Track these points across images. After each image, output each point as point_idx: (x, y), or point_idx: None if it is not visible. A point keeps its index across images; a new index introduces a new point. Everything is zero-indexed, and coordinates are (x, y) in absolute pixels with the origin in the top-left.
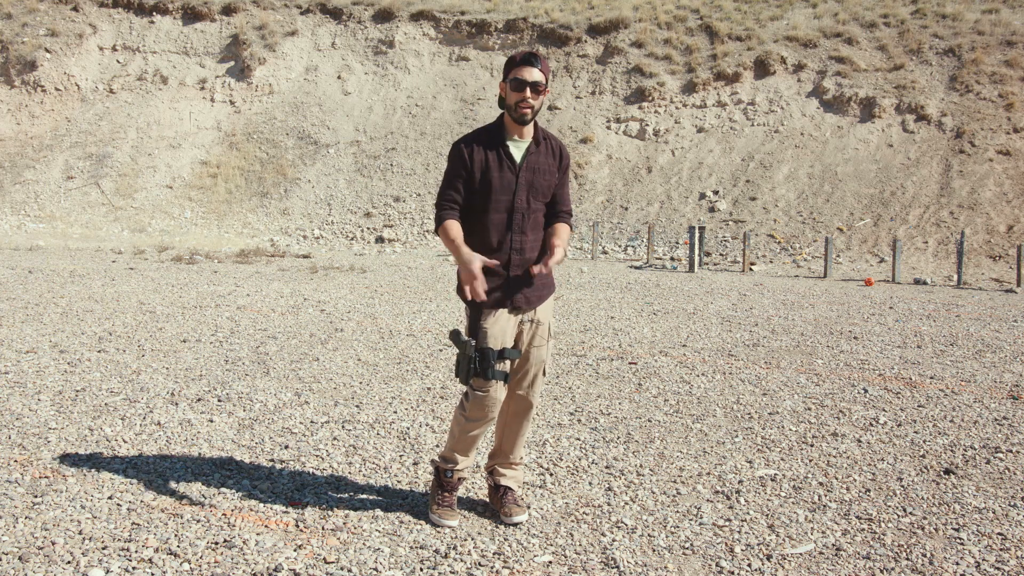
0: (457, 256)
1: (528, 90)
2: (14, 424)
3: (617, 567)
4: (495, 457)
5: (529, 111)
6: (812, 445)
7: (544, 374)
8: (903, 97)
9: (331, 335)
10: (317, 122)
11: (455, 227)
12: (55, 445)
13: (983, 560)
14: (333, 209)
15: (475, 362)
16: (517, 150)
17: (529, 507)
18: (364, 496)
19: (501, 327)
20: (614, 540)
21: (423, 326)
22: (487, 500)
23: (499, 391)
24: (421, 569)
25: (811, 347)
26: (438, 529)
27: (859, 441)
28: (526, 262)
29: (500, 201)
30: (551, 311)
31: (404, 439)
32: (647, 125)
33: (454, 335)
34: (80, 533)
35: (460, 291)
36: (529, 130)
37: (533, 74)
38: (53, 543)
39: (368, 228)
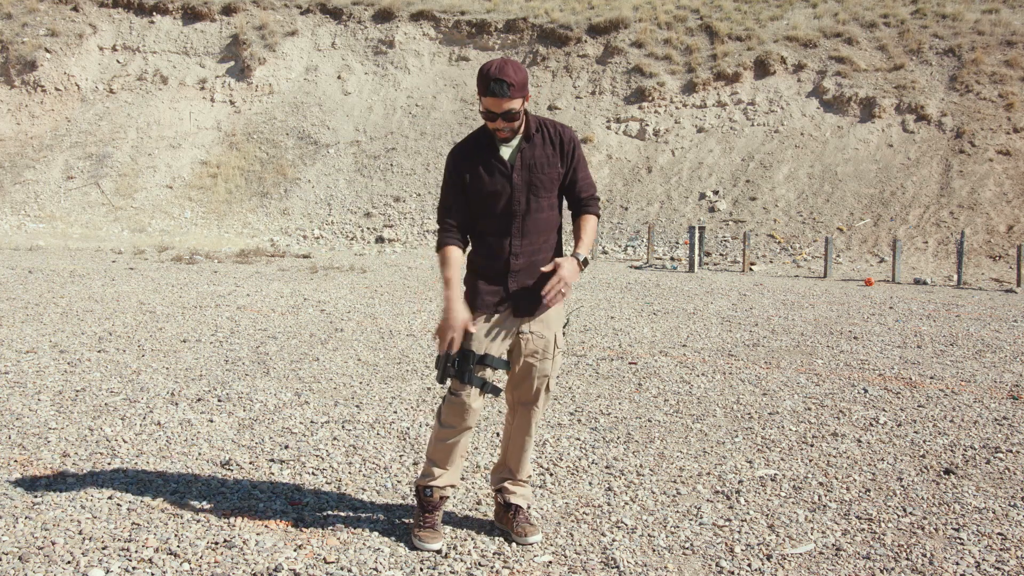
0: (447, 299)
1: (500, 120)
2: (14, 424)
3: (617, 567)
4: (500, 473)
5: (507, 134)
6: (812, 445)
7: (548, 390)
8: (903, 97)
9: (331, 335)
10: (317, 122)
11: (454, 256)
12: (55, 445)
13: (983, 560)
14: (333, 209)
15: (454, 363)
16: (508, 150)
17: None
18: (364, 496)
19: (490, 331)
20: (614, 540)
21: (423, 326)
22: (494, 519)
23: (475, 399)
24: (421, 569)
25: (811, 347)
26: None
27: (859, 441)
28: (530, 265)
29: (497, 206)
30: (559, 323)
31: (404, 439)
32: (647, 125)
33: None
34: (80, 533)
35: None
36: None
37: (501, 106)
38: (53, 543)
39: (368, 228)
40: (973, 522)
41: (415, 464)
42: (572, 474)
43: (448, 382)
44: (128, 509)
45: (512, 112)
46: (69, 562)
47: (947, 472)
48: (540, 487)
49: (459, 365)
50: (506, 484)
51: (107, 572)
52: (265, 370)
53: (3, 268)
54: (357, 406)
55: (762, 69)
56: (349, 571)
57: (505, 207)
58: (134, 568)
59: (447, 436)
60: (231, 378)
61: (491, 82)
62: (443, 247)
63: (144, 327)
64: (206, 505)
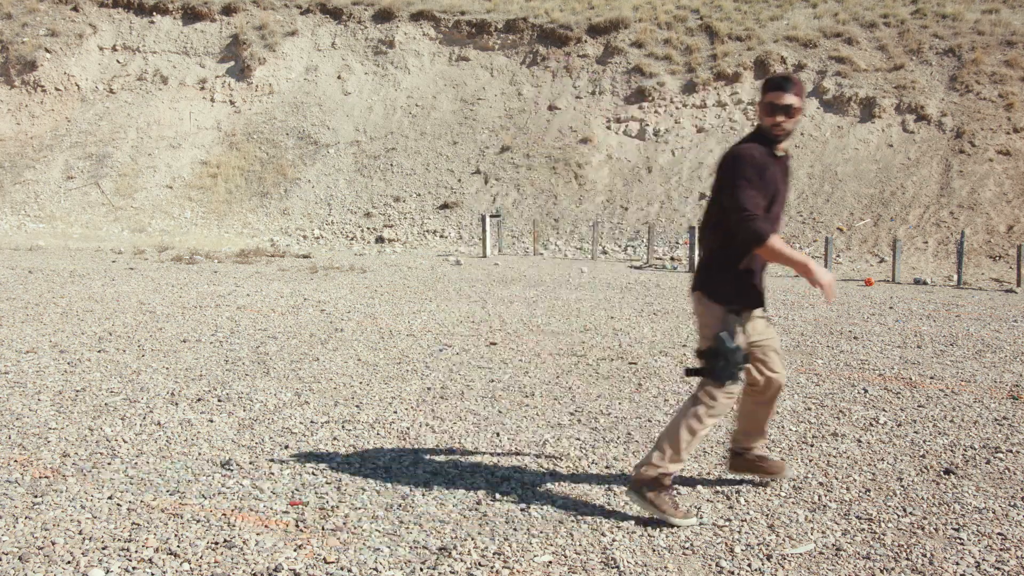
0: (807, 263)
1: (780, 115)
2: (14, 424)
3: (617, 567)
4: (757, 438)
5: (783, 133)
6: (812, 445)
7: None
8: (903, 97)
9: (331, 335)
10: (317, 122)
11: (780, 240)
12: (55, 445)
13: (983, 560)
14: (333, 209)
15: (738, 366)
16: (780, 155)
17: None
18: (364, 496)
19: (747, 331)
20: (614, 540)
21: (423, 326)
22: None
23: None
24: (421, 569)
25: (811, 347)
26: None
27: (859, 441)
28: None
29: (773, 205)
30: None
31: (404, 439)
32: (647, 125)
33: (720, 339)
34: (80, 533)
35: (721, 297)
36: (783, 144)
37: (785, 99)
38: (53, 543)
39: (368, 228)
40: (973, 522)
41: (415, 464)
42: (572, 474)
43: (727, 383)
44: (128, 509)
45: (791, 108)
46: (69, 562)
47: (947, 472)
48: (540, 487)
49: (738, 368)
50: (756, 445)
51: (107, 572)
52: (265, 370)
53: (3, 268)
54: (357, 406)
55: (762, 69)
56: (349, 571)
57: (776, 206)
58: (134, 568)
59: (707, 429)
60: (231, 378)
61: (776, 78)
62: (769, 235)
63: (144, 327)
64: (206, 505)
